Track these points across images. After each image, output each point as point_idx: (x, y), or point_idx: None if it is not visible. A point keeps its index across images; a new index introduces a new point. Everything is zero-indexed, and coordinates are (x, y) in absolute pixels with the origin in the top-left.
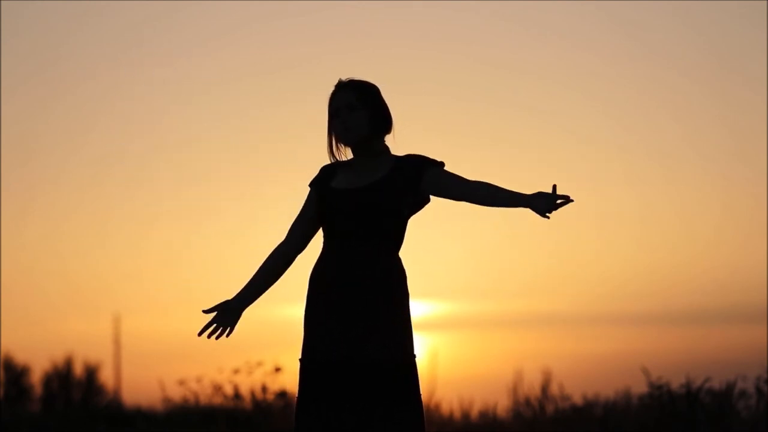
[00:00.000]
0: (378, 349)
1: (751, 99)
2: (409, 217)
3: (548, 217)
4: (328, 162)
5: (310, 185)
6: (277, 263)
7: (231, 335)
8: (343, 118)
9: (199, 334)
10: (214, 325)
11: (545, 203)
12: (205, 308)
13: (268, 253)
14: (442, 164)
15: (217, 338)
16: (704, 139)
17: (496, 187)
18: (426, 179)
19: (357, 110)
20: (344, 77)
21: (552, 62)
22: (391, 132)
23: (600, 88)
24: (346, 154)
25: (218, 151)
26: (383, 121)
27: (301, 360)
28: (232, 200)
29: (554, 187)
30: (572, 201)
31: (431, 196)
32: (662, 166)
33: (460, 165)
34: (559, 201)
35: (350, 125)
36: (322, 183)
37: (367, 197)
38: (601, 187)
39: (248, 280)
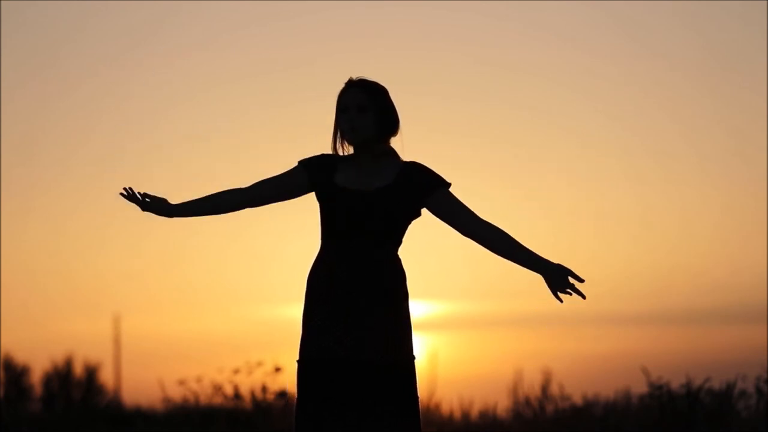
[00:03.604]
0: (384, 349)
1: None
2: (409, 222)
3: (560, 301)
4: (328, 152)
5: (302, 165)
6: (225, 204)
7: None
8: (351, 116)
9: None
10: (140, 199)
11: (563, 282)
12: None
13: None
14: (448, 185)
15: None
16: (704, 139)
17: (513, 239)
18: (433, 200)
19: (366, 112)
20: (354, 76)
21: (552, 62)
22: (397, 134)
23: (600, 88)
24: (348, 149)
25: (218, 151)
26: (390, 124)
27: (299, 361)
28: None
29: (578, 278)
30: (584, 298)
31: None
32: (662, 166)
33: (461, 165)
34: (573, 290)
35: (357, 126)
36: (322, 176)
37: (379, 201)
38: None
39: (192, 200)
